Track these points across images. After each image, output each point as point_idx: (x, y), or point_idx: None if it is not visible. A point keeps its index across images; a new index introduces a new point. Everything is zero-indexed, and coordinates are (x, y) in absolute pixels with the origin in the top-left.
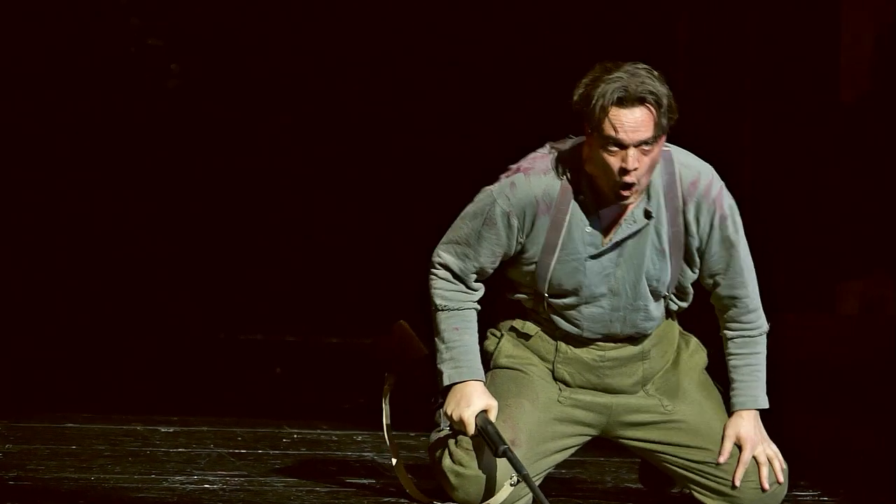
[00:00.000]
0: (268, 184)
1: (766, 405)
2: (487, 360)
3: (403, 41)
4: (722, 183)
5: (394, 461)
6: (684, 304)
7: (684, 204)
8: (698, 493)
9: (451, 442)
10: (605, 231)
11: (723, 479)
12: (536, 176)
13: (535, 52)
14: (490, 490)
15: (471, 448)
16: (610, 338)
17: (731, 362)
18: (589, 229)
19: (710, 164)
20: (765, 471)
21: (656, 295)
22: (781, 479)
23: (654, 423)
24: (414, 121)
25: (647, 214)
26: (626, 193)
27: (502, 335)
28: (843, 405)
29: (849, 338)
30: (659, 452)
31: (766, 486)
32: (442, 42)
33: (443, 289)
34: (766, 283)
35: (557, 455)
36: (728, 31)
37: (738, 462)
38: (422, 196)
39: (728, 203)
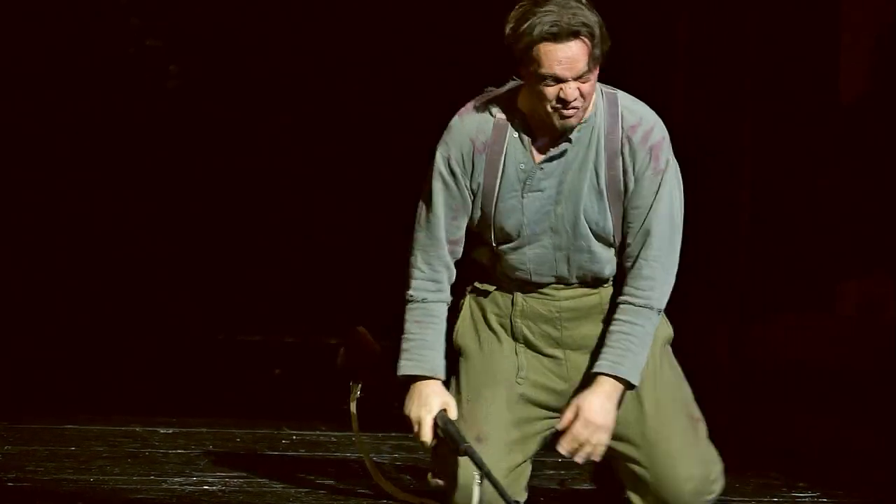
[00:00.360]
0: (267, 184)
1: (629, 377)
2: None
3: (403, 41)
4: (666, 135)
5: (367, 464)
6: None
7: (622, 147)
8: (629, 488)
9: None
10: (537, 162)
11: (649, 481)
12: (469, 115)
13: None
14: (467, 493)
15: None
16: (561, 280)
17: (609, 328)
18: (523, 165)
19: (711, 164)
20: (582, 452)
21: (599, 237)
22: (579, 461)
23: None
24: (414, 121)
25: (566, 139)
26: (568, 113)
27: (463, 305)
28: (843, 406)
29: (848, 338)
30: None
31: (578, 460)
32: (441, 42)
33: (413, 277)
34: (766, 284)
35: (531, 442)
36: (728, 32)
37: (567, 432)
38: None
39: (665, 157)
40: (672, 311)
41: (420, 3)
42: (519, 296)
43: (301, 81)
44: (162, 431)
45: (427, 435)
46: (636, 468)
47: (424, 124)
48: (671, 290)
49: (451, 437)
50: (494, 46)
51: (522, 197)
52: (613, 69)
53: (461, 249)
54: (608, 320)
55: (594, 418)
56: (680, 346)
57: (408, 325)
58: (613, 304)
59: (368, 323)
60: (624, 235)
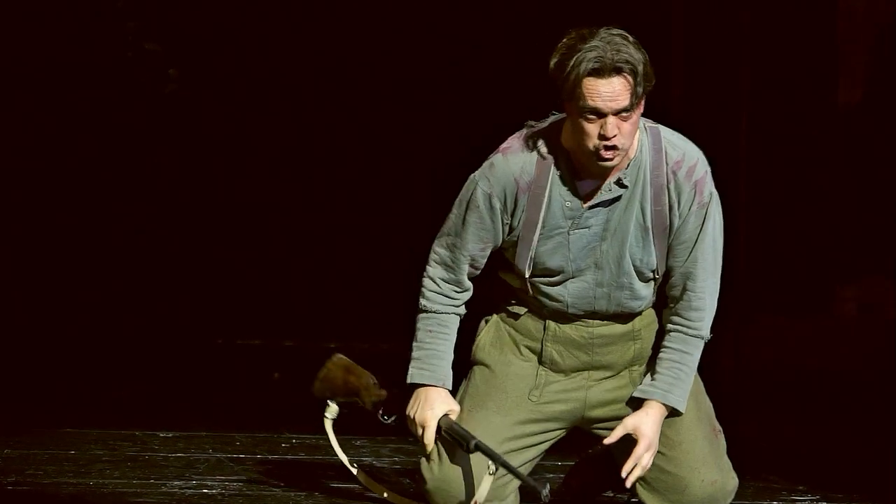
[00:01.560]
0: (266, 188)
1: (677, 405)
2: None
3: (404, 45)
4: (708, 168)
5: (355, 471)
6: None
7: (668, 182)
8: (643, 489)
9: (423, 461)
10: (585, 201)
11: (669, 482)
12: (514, 154)
13: (534, 53)
14: (470, 489)
15: (437, 459)
16: (595, 315)
17: (660, 354)
18: (569, 202)
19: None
20: (636, 472)
21: (640, 274)
22: (631, 481)
23: (627, 411)
24: (415, 127)
25: (619, 183)
26: (608, 154)
27: (489, 322)
28: (842, 408)
29: (846, 341)
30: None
31: (627, 483)
32: (440, 44)
33: (428, 289)
34: (764, 287)
35: (525, 453)
36: (725, 35)
37: (631, 456)
38: (422, 201)
39: (709, 191)
40: None
41: (419, 3)
42: (552, 322)
43: (301, 84)
44: (161, 435)
45: (430, 437)
46: (658, 473)
47: (425, 129)
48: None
49: (459, 437)
50: (493, 47)
51: (569, 234)
52: None
53: (479, 273)
54: (657, 346)
55: (654, 442)
56: None
57: (420, 335)
58: (649, 329)
59: (368, 325)
60: (669, 267)
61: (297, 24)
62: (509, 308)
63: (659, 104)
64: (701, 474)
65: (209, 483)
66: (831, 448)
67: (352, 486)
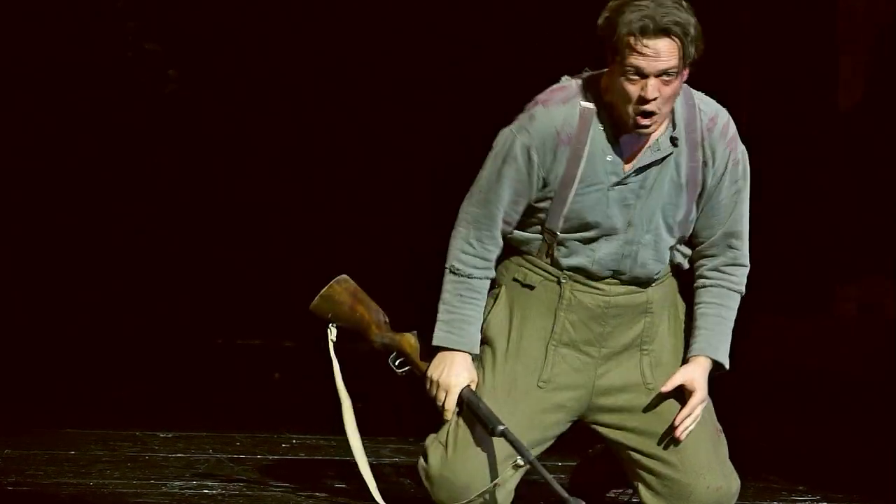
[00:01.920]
0: (266, 188)
1: (724, 361)
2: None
3: (404, 45)
4: (735, 127)
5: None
6: (687, 252)
7: (703, 139)
8: (647, 493)
9: (432, 438)
10: (627, 159)
11: (674, 488)
12: (556, 106)
13: (532, 54)
14: (482, 472)
15: (450, 444)
16: (618, 275)
17: (701, 310)
18: (610, 157)
19: None
20: (688, 422)
21: (670, 231)
22: (684, 431)
23: (632, 409)
24: (416, 125)
25: (674, 141)
26: (645, 122)
27: (497, 297)
28: (843, 408)
29: (847, 341)
30: (626, 444)
31: (681, 434)
32: (440, 44)
33: (460, 249)
34: (765, 287)
35: (534, 449)
36: (726, 40)
37: (686, 405)
38: (423, 201)
39: (741, 149)
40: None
41: (418, 5)
42: (567, 288)
43: (301, 84)
44: (162, 435)
45: (451, 403)
46: (661, 477)
47: (425, 129)
48: None
49: (484, 416)
50: (492, 47)
51: (608, 191)
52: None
53: (511, 229)
54: (699, 303)
55: (705, 393)
56: None
57: (449, 297)
58: (661, 304)
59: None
60: (710, 226)
61: (297, 25)
62: (521, 279)
63: None
64: (706, 480)
65: (209, 483)
66: (831, 448)
67: (352, 486)
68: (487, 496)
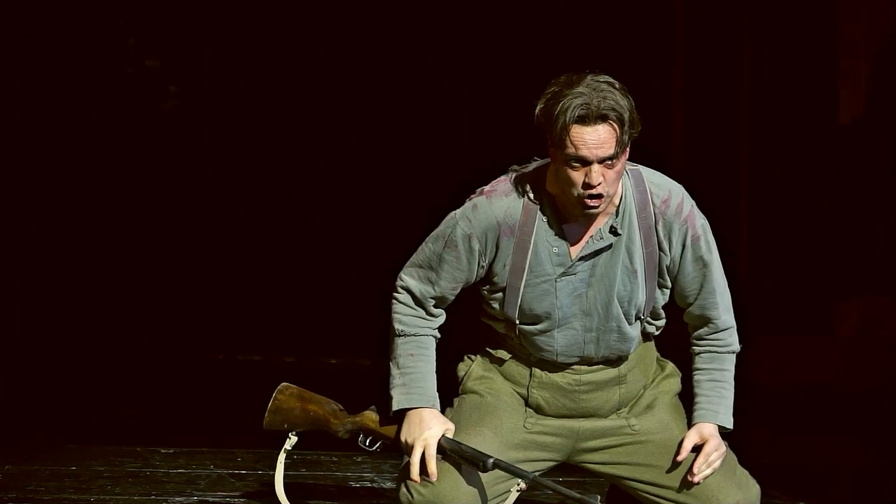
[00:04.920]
0: (266, 204)
1: (727, 423)
2: (457, 383)
3: (403, 56)
4: (693, 202)
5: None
6: (660, 324)
7: (656, 221)
8: None
9: (406, 474)
10: (573, 249)
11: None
12: (498, 198)
13: (532, 55)
14: (473, 499)
15: (430, 479)
16: (585, 360)
17: (696, 377)
18: (556, 248)
19: (709, 186)
20: (706, 471)
21: (629, 316)
22: (697, 479)
23: (621, 445)
24: (414, 147)
25: (614, 231)
26: (592, 203)
27: (475, 358)
28: (843, 425)
29: (847, 359)
30: (623, 476)
31: (697, 478)
32: (436, 49)
33: (402, 313)
34: (765, 306)
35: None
36: (726, 54)
37: (700, 453)
38: (421, 220)
39: (700, 223)
40: (671, 332)
41: (415, 6)
42: (537, 369)
43: (301, 102)
44: (163, 451)
45: (432, 455)
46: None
47: (427, 141)
48: None
49: (472, 457)
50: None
51: (556, 281)
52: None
53: (445, 308)
54: (694, 370)
55: (721, 444)
56: (679, 367)
57: (400, 360)
58: (634, 372)
59: (370, 342)
60: (684, 303)
61: (297, 42)
62: (493, 353)
63: (660, 122)
64: (720, 501)
65: (210, 499)
66: (833, 464)
67: (353, 502)
68: None
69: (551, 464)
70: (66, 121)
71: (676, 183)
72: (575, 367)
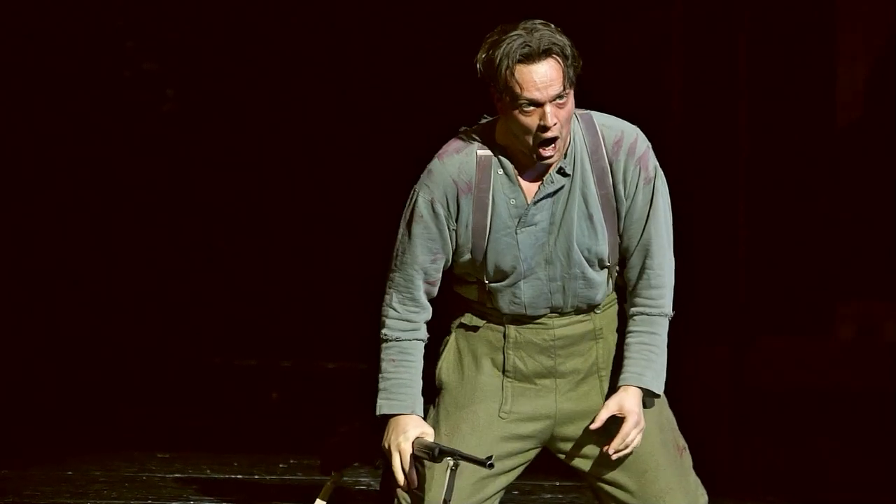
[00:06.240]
0: (264, 209)
1: (654, 388)
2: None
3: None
4: (648, 144)
5: None
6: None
7: (611, 164)
8: None
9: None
10: (528, 198)
11: None
12: (450, 157)
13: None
14: None
15: (412, 487)
16: (556, 310)
17: (627, 339)
18: (513, 200)
19: (708, 188)
20: (624, 451)
21: (591, 263)
22: (618, 456)
23: (591, 435)
24: (417, 139)
25: (562, 171)
26: (548, 150)
27: (447, 344)
28: (842, 429)
29: (847, 362)
30: (585, 471)
31: (612, 454)
32: (436, 49)
33: (387, 316)
34: (764, 308)
35: (504, 476)
36: (725, 58)
37: (619, 434)
38: None
39: (653, 165)
40: (670, 335)
41: (414, 5)
42: (511, 328)
43: (300, 105)
44: (159, 455)
45: (406, 460)
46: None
47: (428, 154)
48: None
49: (427, 449)
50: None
51: (517, 233)
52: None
53: (437, 290)
54: (623, 332)
55: (640, 419)
56: (678, 371)
57: (384, 365)
58: (611, 328)
59: (366, 348)
60: (624, 248)
61: (295, 46)
62: (466, 322)
63: (657, 126)
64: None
65: None
66: (831, 468)
67: None
68: None
69: (532, 452)
70: (63, 123)
71: (634, 126)
72: (546, 320)
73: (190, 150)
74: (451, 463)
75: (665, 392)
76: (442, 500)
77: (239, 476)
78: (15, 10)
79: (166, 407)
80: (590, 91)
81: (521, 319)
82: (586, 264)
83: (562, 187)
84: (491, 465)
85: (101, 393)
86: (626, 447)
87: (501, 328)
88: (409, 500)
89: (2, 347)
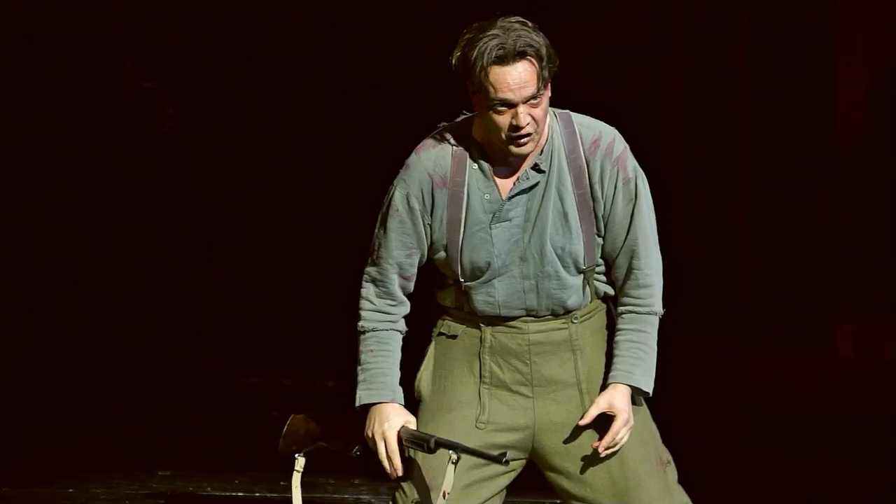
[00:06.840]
0: (265, 227)
1: (643, 386)
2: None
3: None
4: (626, 145)
5: None
6: (609, 284)
7: (588, 164)
8: None
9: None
10: (503, 193)
11: None
12: (426, 151)
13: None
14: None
15: (407, 480)
16: (531, 313)
17: (616, 337)
18: (487, 195)
19: (706, 205)
20: (613, 449)
21: (564, 262)
22: (603, 452)
23: (573, 449)
24: (416, 139)
25: (537, 168)
26: (523, 142)
27: (426, 354)
28: (840, 449)
29: (845, 381)
30: (571, 493)
31: (601, 452)
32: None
33: (364, 309)
34: (763, 327)
35: (489, 485)
36: (723, 71)
37: (609, 432)
38: None
39: (632, 165)
40: (669, 353)
41: (414, 5)
42: (487, 332)
43: (301, 123)
44: (160, 473)
45: (393, 448)
46: None
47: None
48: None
49: (419, 439)
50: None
51: (491, 228)
52: (608, 118)
53: (412, 285)
54: (612, 330)
55: (630, 418)
56: (677, 388)
57: (362, 357)
58: (588, 340)
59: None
60: (610, 250)
61: (296, 64)
62: (445, 332)
63: (656, 140)
64: None
65: None
66: (830, 488)
67: None
68: None
69: (515, 463)
70: (63, 142)
71: (611, 127)
72: (521, 324)
73: (191, 169)
74: (455, 457)
75: (663, 407)
76: (442, 493)
77: (240, 493)
78: (15, 10)
79: (167, 425)
80: (590, 91)
81: (496, 321)
82: (559, 263)
83: (537, 184)
84: (507, 462)
85: (103, 411)
86: (616, 445)
87: (478, 332)
88: (405, 489)
89: (2, 347)
